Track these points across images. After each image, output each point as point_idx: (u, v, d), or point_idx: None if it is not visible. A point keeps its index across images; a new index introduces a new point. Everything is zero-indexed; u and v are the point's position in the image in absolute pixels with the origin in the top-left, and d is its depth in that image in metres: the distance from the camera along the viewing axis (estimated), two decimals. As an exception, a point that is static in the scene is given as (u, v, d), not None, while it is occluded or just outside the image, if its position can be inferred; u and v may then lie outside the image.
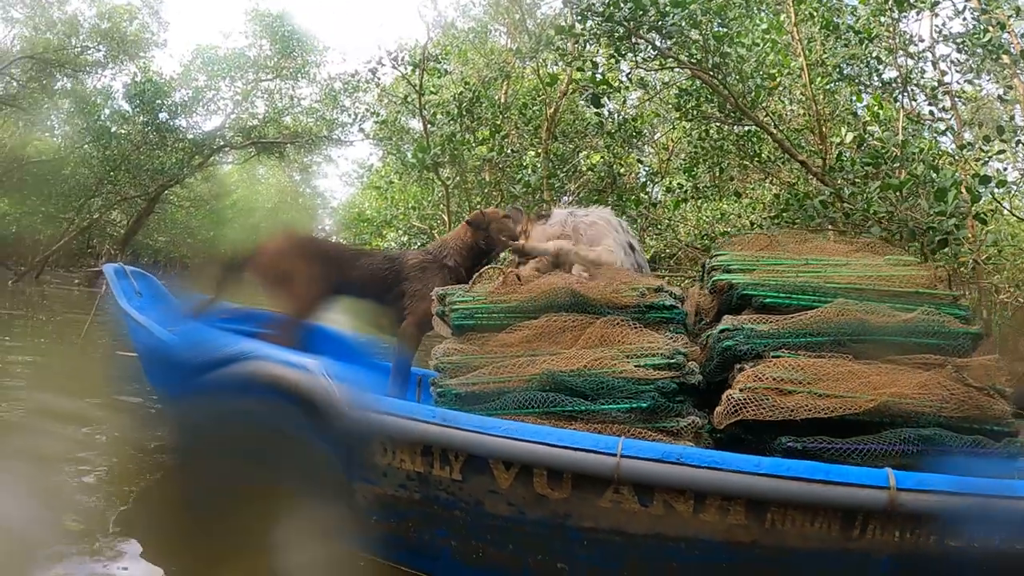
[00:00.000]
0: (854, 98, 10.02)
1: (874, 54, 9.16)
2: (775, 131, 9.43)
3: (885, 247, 4.02)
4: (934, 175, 6.98)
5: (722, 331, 3.09)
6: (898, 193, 7.17)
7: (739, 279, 3.33)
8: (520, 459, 2.62)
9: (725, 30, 8.15)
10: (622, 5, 8.00)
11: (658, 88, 12.46)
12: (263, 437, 2.97)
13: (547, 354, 3.07)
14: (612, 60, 9.28)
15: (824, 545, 2.41)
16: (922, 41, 10.64)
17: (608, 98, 10.89)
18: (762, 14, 10.04)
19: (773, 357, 2.90)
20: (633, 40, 8.42)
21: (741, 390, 2.78)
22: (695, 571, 2.57)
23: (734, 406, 2.75)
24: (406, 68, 15.52)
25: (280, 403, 2.90)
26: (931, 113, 9.36)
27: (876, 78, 9.52)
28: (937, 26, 9.87)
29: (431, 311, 3.65)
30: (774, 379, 2.79)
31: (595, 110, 10.03)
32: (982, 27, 9.03)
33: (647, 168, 14.63)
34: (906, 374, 2.82)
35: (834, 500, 2.35)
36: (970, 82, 10.56)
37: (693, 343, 3.28)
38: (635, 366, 2.93)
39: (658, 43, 8.49)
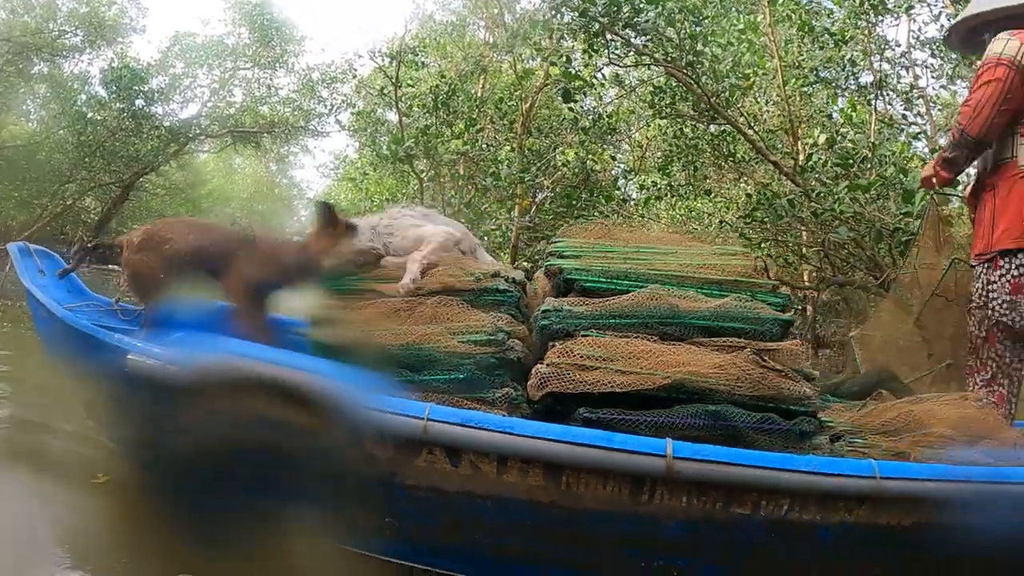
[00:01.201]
0: (830, 101, 10.05)
1: (848, 57, 9.18)
2: (748, 131, 9.44)
3: (720, 238, 4.48)
4: (903, 177, 7.00)
5: (542, 312, 3.27)
6: (867, 194, 7.20)
7: (566, 264, 3.50)
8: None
9: (700, 29, 8.13)
10: (596, 1, 8.00)
11: (633, 85, 12.45)
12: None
13: (382, 330, 3.36)
14: (587, 55, 9.27)
15: (617, 507, 2.62)
16: (899, 46, 10.70)
17: (584, 94, 10.88)
18: (738, 14, 10.03)
19: (582, 336, 3.09)
20: (607, 36, 8.42)
21: (548, 365, 2.99)
22: (503, 528, 2.80)
23: (541, 379, 2.97)
24: (384, 60, 15.48)
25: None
26: (904, 117, 9.40)
27: (852, 81, 9.56)
28: (913, 31, 9.91)
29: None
30: (579, 356, 2.99)
31: (567, 105, 9.98)
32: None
33: (622, 165, 14.65)
34: (707, 355, 3.02)
35: (618, 465, 2.57)
36: (944, 87, 10.61)
37: (526, 323, 3.55)
38: (458, 342, 3.22)
39: (633, 40, 8.50)
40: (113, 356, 3.25)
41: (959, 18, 4.15)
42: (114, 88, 24.55)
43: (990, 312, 3.71)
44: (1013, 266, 3.59)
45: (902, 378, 4.31)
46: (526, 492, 2.68)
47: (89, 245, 4.56)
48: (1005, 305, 3.64)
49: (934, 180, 4.03)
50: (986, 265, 3.73)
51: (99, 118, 24.65)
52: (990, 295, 3.70)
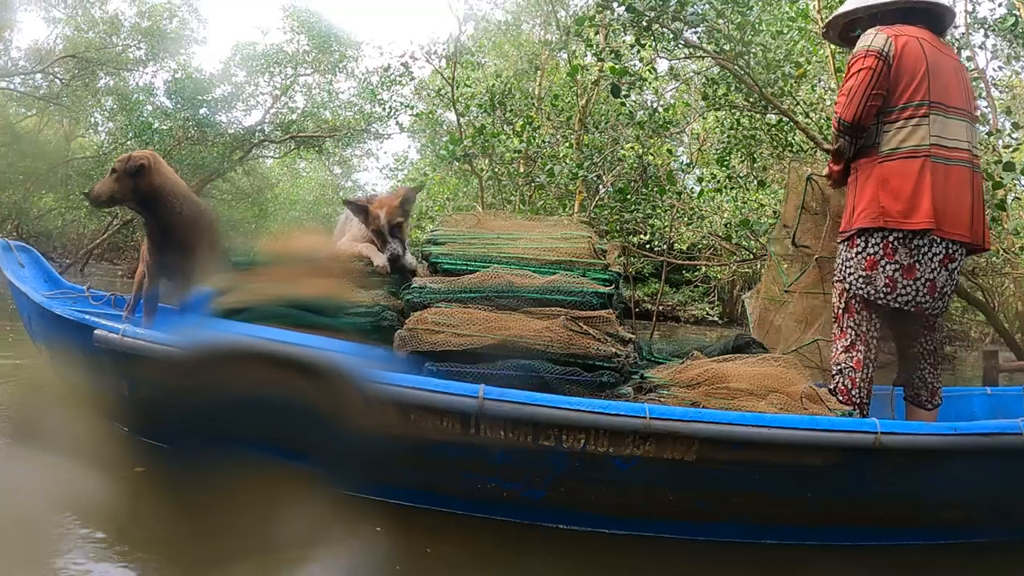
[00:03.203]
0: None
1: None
2: (803, 120, 9.32)
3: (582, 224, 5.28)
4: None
5: (407, 288, 4.12)
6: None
7: (434, 249, 4.32)
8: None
9: (748, 18, 8.04)
10: (643, -5, 7.98)
11: (685, 77, 12.36)
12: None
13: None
14: (636, 50, 9.24)
15: (454, 438, 3.28)
16: (955, 27, 10.51)
17: (640, 88, 10.84)
18: (787, 1, 9.89)
19: (435, 307, 3.88)
20: (656, 29, 8.38)
21: (408, 330, 3.79)
22: (377, 454, 3.46)
23: (401, 340, 3.77)
24: (439, 61, 15.55)
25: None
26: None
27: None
28: (968, 11, 9.73)
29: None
30: (430, 322, 3.78)
31: (619, 100, 9.94)
32: (1013, 14, 8.88)
33: (681, 159, 14.56)
34: (532, 322, 3.78)
35: (444, 404, 3.24)
36: (1001, 68, 10.40)
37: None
38: (345, 313, 4.08)
39: (683, 32, 8.46)
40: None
41: (834, 15, 4.66)
42: (178, 98, 25.03)
43: (848, 286, 4.15)
44: (868, 244, 4.01)
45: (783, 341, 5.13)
46: (387, 428, 3.34)
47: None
48: (861, 280, 4.06)
49: (828, 175, 4.58)
50: (845, 243, 4.18)
51: (165, 128, 25.07)
52: (848, 270, 4.14)
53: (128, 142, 24.42)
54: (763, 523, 3.45)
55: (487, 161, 14.44)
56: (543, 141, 13.93)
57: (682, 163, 13.85)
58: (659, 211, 12.27)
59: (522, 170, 14.86)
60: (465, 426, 3.24)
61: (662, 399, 3.64)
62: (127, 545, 3.17)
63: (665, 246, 13.75)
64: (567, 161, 12.17)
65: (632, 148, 12.85)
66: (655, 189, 11.26)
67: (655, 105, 13.80)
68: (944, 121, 3.93)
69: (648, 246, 13.60)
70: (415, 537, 3.37)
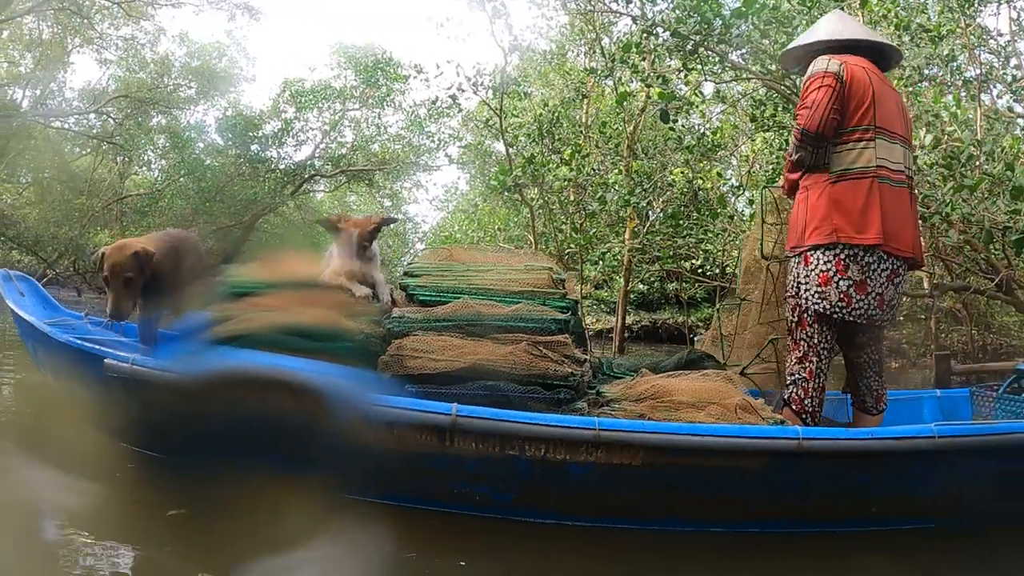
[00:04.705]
0: (934, 100, 9.79)
1: (947, 53, 8.96)
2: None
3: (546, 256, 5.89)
4: (1010, 173, 6.81)
5: (387, 318, 4.50)
6: (974, 194, 7.02)
7: (411, 282, 4.83)
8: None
9: (791, 38, 8.01)
10: (688, 20, 8.00)
11: (732, 99, 12.31)
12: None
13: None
14: (682, 74, 9.26)
15: (432, 450, 3.65)
16: (1001, 35, 10.40)
17: (686, 113, 10.84)
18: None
19: (413, 335, 4.26)
20: (702, 52, 8.40)
21: (389, 356, 4.17)
22: (372, 468, 3.77)
23: (383, 365, 4.14)
24: (486, 92, 15.63)
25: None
26: (1010, 109, 9.13)
27: (957, 77, 9.32)
28: (1013, 18, 9.64)
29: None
30: (409, 349, 4.16)
31: (667, 125, 9.95)
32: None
33: (731, 181, 14.48)
34: (499, 347, 4.17)
35: (420, 420, 3.62)
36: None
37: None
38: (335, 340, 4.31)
39: (728, 55, 8.46)
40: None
41: (791, 45, 4.92)
42: (229, 135, 25.55)
43: (802, 301, 4.37)
44: (821, 261, 4.25)
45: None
46: (379, 441, 3.67)
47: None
48: (816, 295, 4.29)
49: (784, 185, 4.86)
50: (797, 260, 4.42)
51: (217, 164, 25.57)
52: (802, 286, 4.37)
53: (181, 178, 24.88)
54: (704, 520, 3.84)
55: (537, 190, 14.48)
56: (592, 169, 13.93)
57: (732, 186, 13.77)
58: (711, 235, 12.21)
59: (572, 198, 14.87)
60: (441, 439, 3.63)
61: (613, 412, 4.06)
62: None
63: (717, 270, 13.67)
64: (617, 188, 12.17)
65: (681, 173, 12.83)
66: (706, 213, 11.22)
67: (703, 129, 13.76)
68: (889, 145, 4.24)
69: (700, 270, 13.53)
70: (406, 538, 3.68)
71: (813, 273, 4.29)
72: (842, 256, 4.19)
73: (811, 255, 4.30)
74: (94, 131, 25.95)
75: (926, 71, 9.59)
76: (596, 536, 3.76)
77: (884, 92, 4.32)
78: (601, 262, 14.79)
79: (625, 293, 15.65)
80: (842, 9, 7.61)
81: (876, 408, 4.65)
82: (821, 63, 4.32)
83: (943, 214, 7.21)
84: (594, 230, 14.52)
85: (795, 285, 4.44)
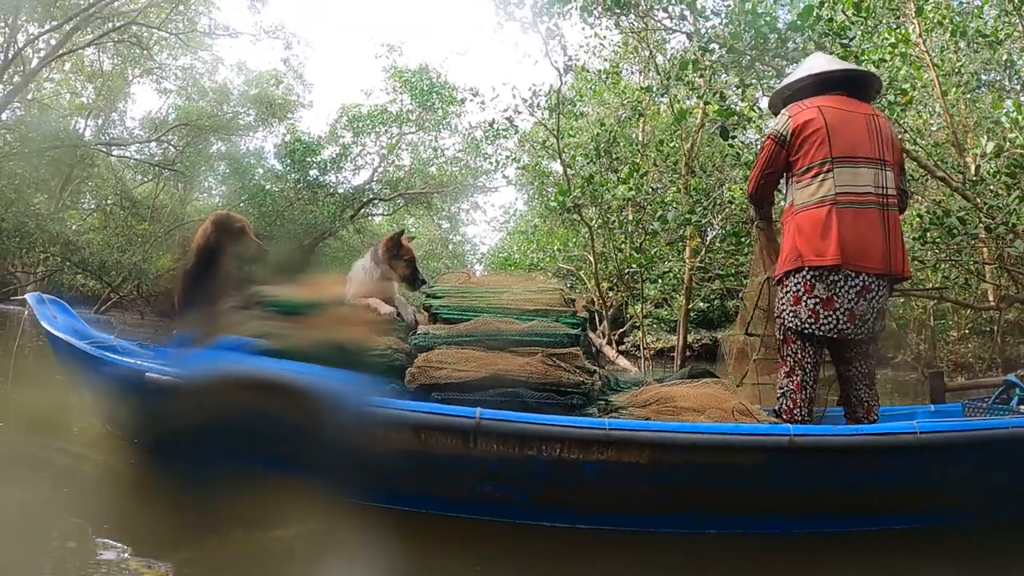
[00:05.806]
0: (993, 106, 9.71)
1: (1006, 58, 8.91)
2: (912, 147, 9.17)
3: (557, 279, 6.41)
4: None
5: (414, 334, 4.85)
6: (1041, 201, 6.94)
7: (434, 302, 5.14)
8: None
9: (850, 48, 8.00)
10: (743, 36, 8.04)
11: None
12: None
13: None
14: (740, 90, 9.29)
15: (455, 451, 3.92)
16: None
17: (744, 128, 10.85)
18: (888, 27, 9.74)
19: (438, 349, 4.61)
20: (758, 68, 8.43)
21: (416, 368, 4.49)
22: (395, 470, 4.08)
23: (411, 376, 4.47)
24: (542, 113, 15.70)
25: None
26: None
27: (1016, 81, 9.27)
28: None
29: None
30: (434, 361, 4.49)
31: (726, 142, 9.95)
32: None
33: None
34: (516, 359, 4.49)
35: (444, 424, 3.91)
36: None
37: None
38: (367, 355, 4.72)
39: (785, 68, 8.47)
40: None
41: (775, 92, 5.39)
42: (288, 161, 25.95)
43: (782, 320, 4.83)
44: (792, 284, 4.72)
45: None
46: (404, 444, 3.97)
47: None
48: (790, 314, 4.75)
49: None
50: (777, 285, 4.92)
51: (276, 189, 25.91)
52: (780, 307, 4.86)
53: (241, 204, 25.24)
54: (707, 513, 4.12)
55: (595, 210, 14.50)
56: (651, 187, 13.93)
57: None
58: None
59: (631, 217, 14.88)
60: (465, 441, 3.91)
61: (621, 417, 4.40)
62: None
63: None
64: (675, 206, 12.19)
65: (740, 189, 12.80)
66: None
67: (760, 144, 13.75)
68: (853, 171, 4.59)
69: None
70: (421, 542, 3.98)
71: (787, 295, 4.75)
72: (808, 277, 4.61)
73: (785, 280, 4.77)
74: (155, 159, 26.61)
75: (984, 77, 9.55)
76: (608, 541, 4.02)
77: (845, 121, 4.67)
78: (660, 280, 14.78)
79: (686, 312, 15.58)
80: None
81: (866, 419, 4.91)
82: (772, 121, 4.96)
83: (1008, 224, 7.16)
84: (655, 249, 14.54)
85: (777, 307, 4.93)
